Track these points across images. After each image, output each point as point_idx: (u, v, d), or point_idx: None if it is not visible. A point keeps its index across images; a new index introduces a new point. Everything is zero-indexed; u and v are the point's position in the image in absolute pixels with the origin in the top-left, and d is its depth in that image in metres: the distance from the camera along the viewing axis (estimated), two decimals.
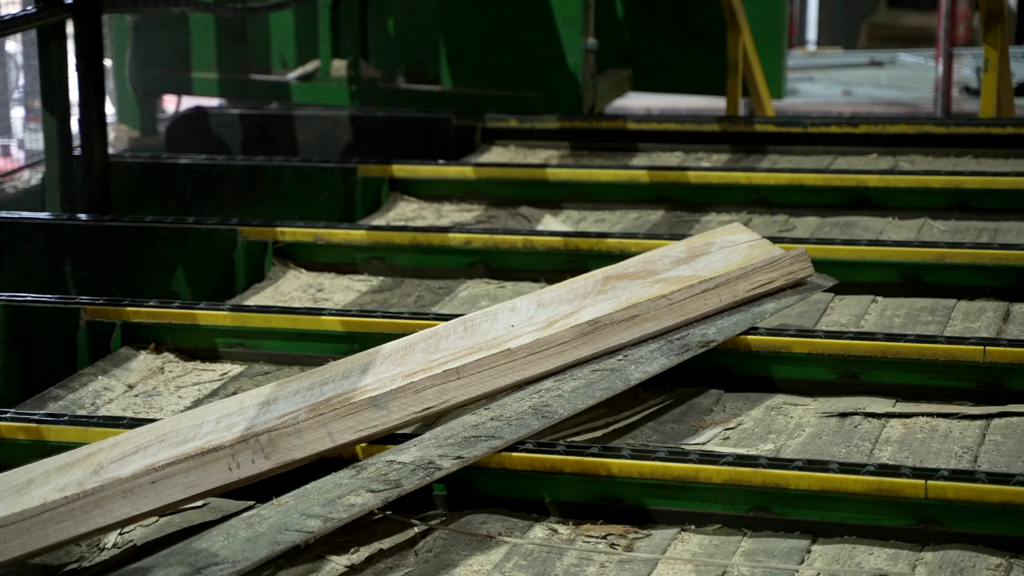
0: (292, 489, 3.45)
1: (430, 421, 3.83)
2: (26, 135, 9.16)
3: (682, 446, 3.82)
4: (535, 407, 3.76)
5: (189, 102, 9.26)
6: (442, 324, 4.04)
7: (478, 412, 3.73)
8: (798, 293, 4.44)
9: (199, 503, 3.63)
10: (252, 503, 3.58)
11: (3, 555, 3.20)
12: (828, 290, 4.71)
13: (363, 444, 3.66)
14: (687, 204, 6.13)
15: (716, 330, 4.19)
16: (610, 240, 5.28)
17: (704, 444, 3.88)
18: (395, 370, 3.79)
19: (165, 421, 3.62)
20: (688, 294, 4.20)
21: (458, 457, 3.52)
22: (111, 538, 3.56)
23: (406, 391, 3.72)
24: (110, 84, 9.01)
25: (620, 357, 4.03)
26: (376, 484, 3.42)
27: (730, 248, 4.45)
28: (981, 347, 4.12)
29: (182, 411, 4.38)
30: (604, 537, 3.44)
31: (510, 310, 4.09)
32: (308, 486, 3.43)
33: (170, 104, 10.00)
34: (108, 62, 8.76)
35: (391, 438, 3.68)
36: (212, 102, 9.28)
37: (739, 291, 4.31)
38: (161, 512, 3.47)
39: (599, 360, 4.02)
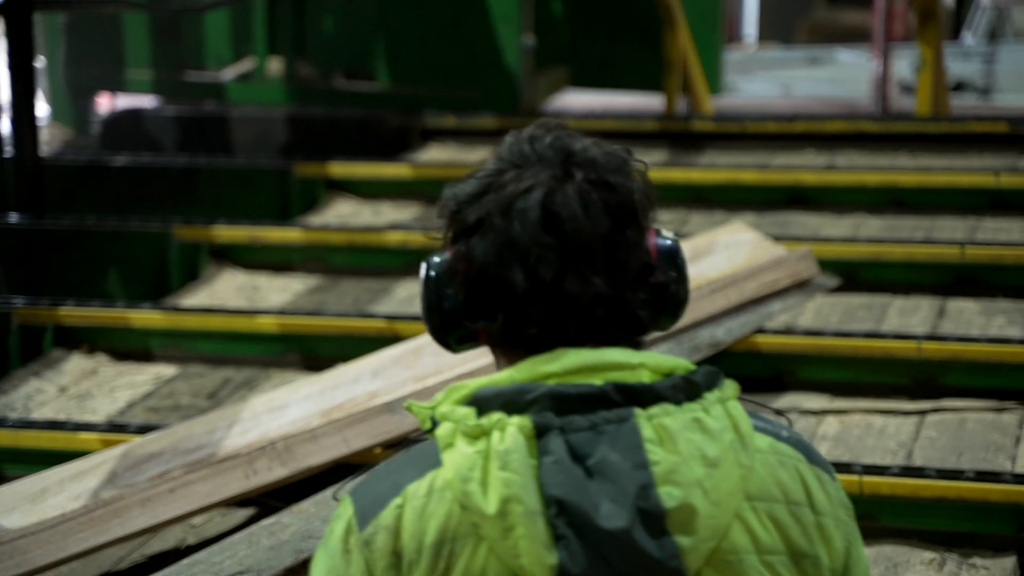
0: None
1: None
2: None
3: None
4: None
5: (124, 101, 9.17)
6: None
7: None
8: (803, 293, 4.41)
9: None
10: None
11: (23, 566, 3.14)
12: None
13: (378, 449, 3.61)
14: None
15: (725, 331, 4.15)
16: None
17: None
18: (406, 374, 3.74)
19: (176, 427, 3.57)
20: (696, 295, 4.12)
21: None
22: None
23: (420, 396, 3.66)
24: (44, 83, 8.91)
25: None
26: None
27: (733, 247, 4.42)
28: (916, 343, 4.14)
29: (118, 412, 4.33)
30: None
31: None
32: (327, 492, 3.37)
33: (105, 103, 9.90)
34: (41, 61, 8.67)
35: (405, 443, 3.63)
36: (147, 101, 9.19)
37: (746, 291, 4.26)
38: (178, 521, 3.41)
39: None
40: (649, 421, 1.52)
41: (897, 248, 4.96)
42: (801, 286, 4.41)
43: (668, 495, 1.48)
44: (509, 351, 1.61)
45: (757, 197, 5.99)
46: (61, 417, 4.27)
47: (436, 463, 1.56)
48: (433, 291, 1.64)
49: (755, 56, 14.33)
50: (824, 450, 3.79)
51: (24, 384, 4.54)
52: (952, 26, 14.16)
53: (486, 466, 1.50)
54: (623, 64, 8.32)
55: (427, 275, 1.65)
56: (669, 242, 1.66)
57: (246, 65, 8.26)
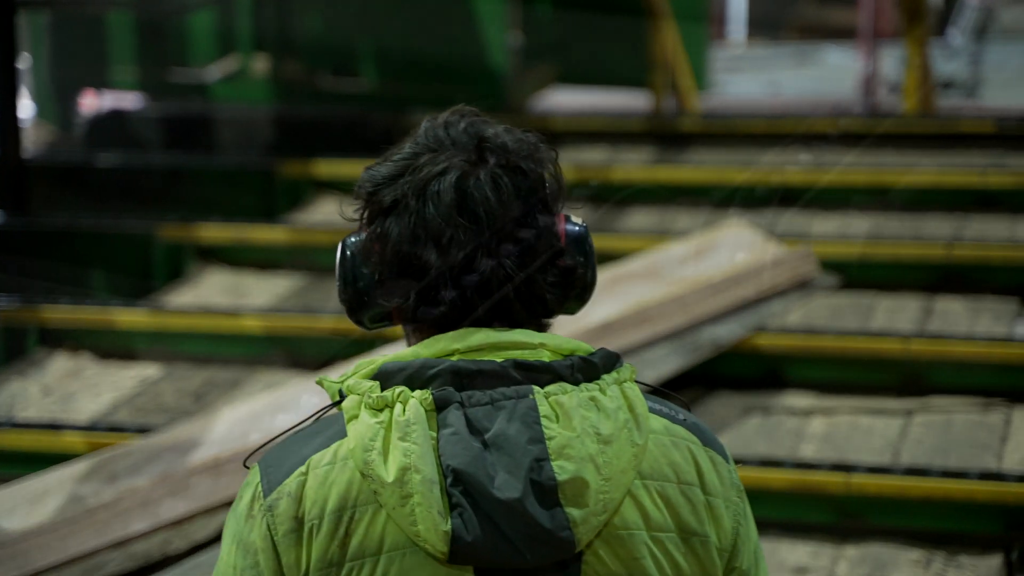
0: None
1: None
2: None
3: None
4: None
5: (109, 101, 9.13)
6: None
7: None
8: (804, 292, 4.39)
9: None
10: None
11: (24, 568, 3.14)
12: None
13: None
14: (612, 200, 6.11)
15: (726, 331, 4.13)
16: None
17: None
18: None
19: (176, 428, 3.54)
20: (698, 295, 4.12)
21: None
22: None
23: None
24: (28, 82, 8.87)
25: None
26: None
27: (735, 246, 4.40)
28: (903, 342, 4.13)
29: (103, 413, 4.31)
30: None
31: None
32: None
33: (89, 103, 9.86)
34: (26, 60, 8.63)
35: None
36: (132, 100, 9.17)
37: (747, 291, 4.24)
38: (178, 524, 3.39)
39: None
40: (546, 398, 1.58)
41: (884, 248, 4.96)
42: (802, 286, 4.40)
43: (561, 468, 1.54)
44: (420, 329, 1.67)
45: (745, 195, 5.97)
46: (45, 417, 4.25)
47: (341, 434, 1.61)
48: (349, 270, 1.70)
49: (743, 54, 14.32)
50: (812, 449, 3.79)
51: (8, 384, 4.51)
52: (939, 24, 14.17)
53: (387, 436, 1.56)
54: (610, 62, 8.31)
55: (343, 254, 1.70)
56: (578, 228, 1.71)
57: (232, 64, 8.24)
